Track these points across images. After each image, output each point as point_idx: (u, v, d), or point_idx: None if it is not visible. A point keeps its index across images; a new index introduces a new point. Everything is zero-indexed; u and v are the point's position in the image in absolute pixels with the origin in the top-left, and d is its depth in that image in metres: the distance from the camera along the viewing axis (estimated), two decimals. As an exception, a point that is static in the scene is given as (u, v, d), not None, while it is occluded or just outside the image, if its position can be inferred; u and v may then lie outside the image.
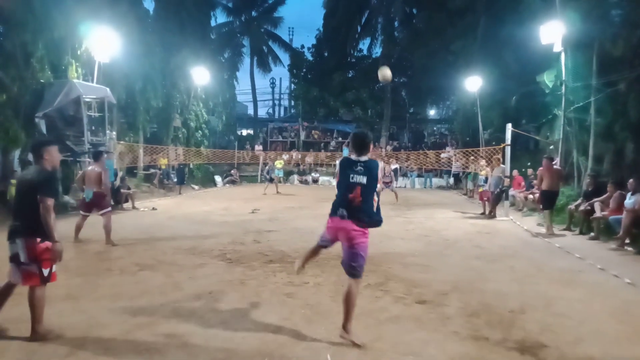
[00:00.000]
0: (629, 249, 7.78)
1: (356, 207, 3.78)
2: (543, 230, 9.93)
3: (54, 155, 3.96)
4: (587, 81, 11.57)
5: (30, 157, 11.52)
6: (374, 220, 3.90)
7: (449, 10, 23.55)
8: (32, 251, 3.65)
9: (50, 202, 3.66)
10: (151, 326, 4.06)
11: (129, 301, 4.75)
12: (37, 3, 11.29)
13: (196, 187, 21.54)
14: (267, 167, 20.67)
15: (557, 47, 11.91)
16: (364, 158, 3.89)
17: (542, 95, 14.59)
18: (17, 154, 11.41)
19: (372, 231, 3.97)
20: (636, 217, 7.86)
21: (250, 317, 4.36)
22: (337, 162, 4.08)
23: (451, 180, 23.66)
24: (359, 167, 3.82)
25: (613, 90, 11.08)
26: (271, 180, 19.61)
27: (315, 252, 4.43)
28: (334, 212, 3.90)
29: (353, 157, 3.94)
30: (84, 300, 4.75)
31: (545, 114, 14.75)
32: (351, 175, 3.81)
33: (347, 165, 3.88)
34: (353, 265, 3.81)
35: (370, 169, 3.84)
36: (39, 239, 3.66)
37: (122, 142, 16.99)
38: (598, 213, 8.99)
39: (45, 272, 3.70)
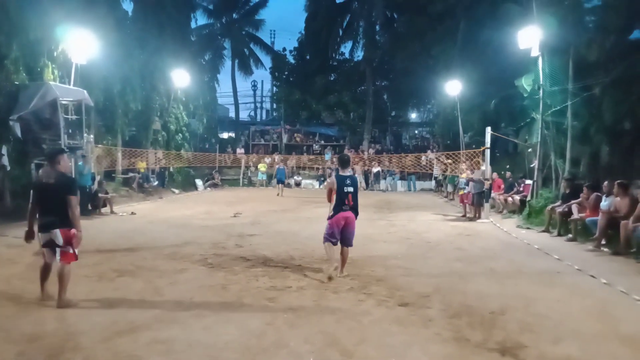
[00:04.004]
0: (605, 249, 7.95)
1: (351, 205, 5.89)
2: (522, 231, 10.40)
3: (66, 162, 5.02)
4: (564, 85, 11.81)
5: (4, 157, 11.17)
6: (358, 212, 6.09)
7: (429, 15, 23.82)
8: (66, 237, 4.66)
9: (76, 199, 4.76)
10: (132, 333, 3.98)
11: (108, 308, 4.66)
12: (12, 4, 11.00)
13: (177, 191, 21.28)
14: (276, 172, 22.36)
15: (535, 52, 12.12)
16: (349, 173, 6.05)
17: (520, 99, 14.82)
18: (-10, 157, 11.09)
19: (354, 234, 6.11)
20: (611, 219, 8.04)
21: (233, 322, 4.31)
22: (333, 177, 6.11)
23: (433, 182, 23.92)
24: (347, 181, 5.90)
25: (588, 94, 11.34)
26: (282, 182, 21.23)
27: (335, 251, 5.99)
28: (339, 210, 5.84)
29: (342, 173, 5.99)
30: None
31: (524, 118, 15.00)
32: (344, 187, 5.85)
33: (341, 180, 5.90)
34: (350, 238, 6.03)
35: (354, 181, 5.99)
36: (67, 228, 4.67)
37: (100, 145, 16.67)
38: (575, 215, 9.18)
39: (76, 251, 4.78)
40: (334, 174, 6.08)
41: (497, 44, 17.27)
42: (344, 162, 6.13)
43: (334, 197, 5.88)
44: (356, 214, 6.00)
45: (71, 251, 4.73)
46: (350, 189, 5.87)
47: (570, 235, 9.17)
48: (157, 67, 20.51)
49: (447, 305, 4.87)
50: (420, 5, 24.00)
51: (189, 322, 4.28)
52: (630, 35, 12.12)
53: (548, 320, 4.44)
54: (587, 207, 9.14)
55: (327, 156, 29.02)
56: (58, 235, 4.65)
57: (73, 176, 4.93)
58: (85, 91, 13.22)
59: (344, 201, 5.82)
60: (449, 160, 19.08)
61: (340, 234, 5.94)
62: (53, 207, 4.68)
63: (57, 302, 4.64)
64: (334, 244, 5.93)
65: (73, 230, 4.69)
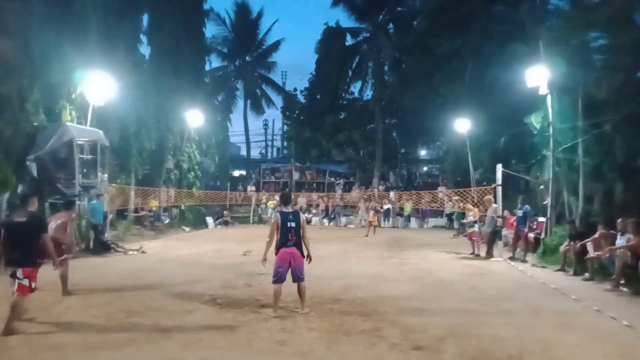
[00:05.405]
0: (624, 289, 7.71)
1: (294, 241, 6.01)
2: (538, 270, 10.17)
3: (36, 204, 5.67)
4: (574, 123, 11.81)
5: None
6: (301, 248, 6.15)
7: (436, 56, 24.29)
8: (26, 272, 5.07)
9: (48, 236, 5.60)
10: (138, 377, 3.91)
11: (116, 350, 4.59)
12: (36, 50, 11.48)
13: (187, 228, 21.31)
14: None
15: (543, 90, 12.21)
16: (291, 210, 6.29)
17: (530, 136, 14.82)
18: (6, 197, 11.26)
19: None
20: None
21: (242, 366, 4.21)
22: (277, 214, 6.17)
23: (445, 220, 23.70)
24: (290, 217, 6.04)
25: (599, 131, 11.31)
26: None
27: (280, 294, 6.05)
28: (283, 245, 5.95)
29: (285, 210, 6.20)
30: (69, 349, 4.59)
31: (535, 155, 14.95)
32: (287, 223, 5.98)
33: (284, 217, 6.02)
34: (299, 274, 6.09)
35: (296, 217, 6.10)
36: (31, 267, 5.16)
37: (113, 184, 16.89)
38: (591, 253, 8.97)
39: (33, 285, 5.19)
40: (277, 211, 6.42)
41: (505, 83, 17.46)
42: (286, 200, 6.46)
43: (278, 234, 6.00)
44: (300, 249, 6.09)
45: (28, 284, 5.12)
46: (293, 225, 6.01)
47: (587, 275, 8.94)
48: (172, 108, 21.02)
49: (463, 349, 4.71)
50: (428, 47, 24.50)
51: (197, 366, 4.19)
52: (639, 73, 12.20)
53: (568, 366, 4.27)
54: (603, 245, 8.94)
55: (339, 191, 29.34)
56: (20, 272, 5.09)
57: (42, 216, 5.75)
58: (101, 132, 13.55)
59: (288, 237, 5.97)
60: (456, 197, 18.97)
61: (289, 272, 6.04)
62: (20, 244, 5.18)
63: (3, 330, 4.90)
64: (281, 282, 6.04)
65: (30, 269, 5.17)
